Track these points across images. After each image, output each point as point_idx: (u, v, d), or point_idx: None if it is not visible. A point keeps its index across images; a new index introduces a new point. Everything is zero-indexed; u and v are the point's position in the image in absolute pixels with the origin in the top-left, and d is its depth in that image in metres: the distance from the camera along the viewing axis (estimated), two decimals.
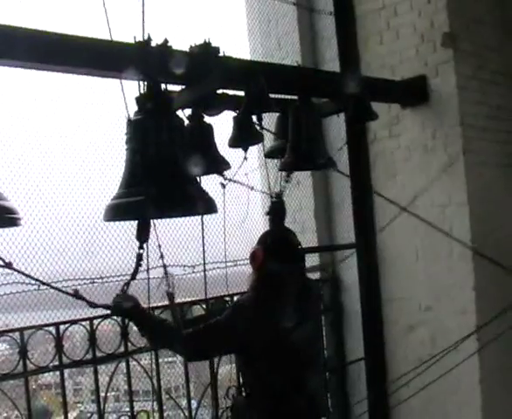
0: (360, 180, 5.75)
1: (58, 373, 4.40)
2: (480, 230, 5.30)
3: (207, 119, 4.14)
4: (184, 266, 4.73)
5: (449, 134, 5.32)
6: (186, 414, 4.91)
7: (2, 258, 2.93)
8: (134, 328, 4.55)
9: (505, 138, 5.82)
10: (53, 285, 3.73)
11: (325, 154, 4.54)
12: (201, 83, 3.79)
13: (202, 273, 4.36)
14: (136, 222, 3.30)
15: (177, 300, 3.87)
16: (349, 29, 5.85)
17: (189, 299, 4.84)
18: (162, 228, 3.33)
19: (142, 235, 3.27)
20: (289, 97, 4.59)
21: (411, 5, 5.52)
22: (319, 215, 6.28)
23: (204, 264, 4.24)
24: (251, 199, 4.65)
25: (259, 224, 5.61)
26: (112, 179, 3.91)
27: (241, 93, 4.06)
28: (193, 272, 4.75)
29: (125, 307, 3.47)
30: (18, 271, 3.12)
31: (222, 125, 4.31)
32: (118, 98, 3.85)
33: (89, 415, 4.66)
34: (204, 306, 4.87)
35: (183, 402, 5.14)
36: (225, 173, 4.22)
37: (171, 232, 4.76)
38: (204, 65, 3.75)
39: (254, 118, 4.07)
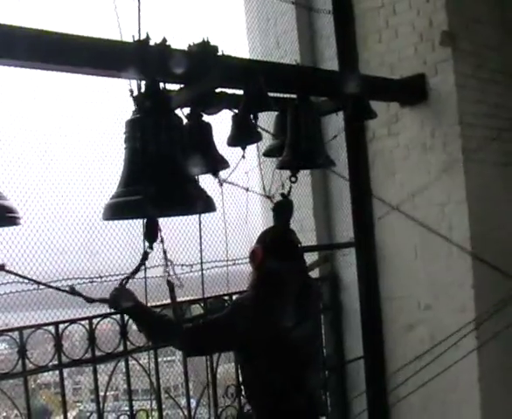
0: (359, 178, 5.76)
1: (57, 372, 4.39)
2: (479, 228, 5.30)
3: (206, 117, 4.14)
4: (183, 265, 4.73)
5: (448, 133, 5.32)
6: (185, 413, 4.90)
7: None
8: (134, 327, 4.56)
9: (504, 136, 5.81)
10: (51, 284, 3.75)
11: (324, 152, 4.54)
12: (200, 82, 3.79)
13: (200, 272, 4.37)
14: (139, 221, 3.30)
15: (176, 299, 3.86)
16: (348, 27, 5.85)
17: (187, 298, 4.84)
18: (161, 227, 3.32)
19: (151, 234, 3.26)
20: (288, 96, 4.59)
21: (410, 4, 5.52)
22: (318, 213, 6.28)
23: (202, 263, 4.24)
24: (250, 197, 4.65)
25: (259, 223, 5.62)
26: (111, 178, 3.91)
27: (240, 92, 4.06)
28: (191, 271, 4.74)
29: (123, 301, 3.47)
30: (11, 273, 3.12)
31: (221, 123, 4.31)
32: (117, 97, 3.86)
33: (88, 414, 4.67)
34: (203, 305, 4.87)
35: (183, 401, 5.15)
36: (224, 171, 4.22)
37: (170, 231, 4.75)
38: (203, 64, 3.75)
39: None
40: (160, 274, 3.69)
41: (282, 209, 4.26)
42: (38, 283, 3.45)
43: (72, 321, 4.34)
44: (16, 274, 3.19)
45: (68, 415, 4.46)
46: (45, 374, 5.06)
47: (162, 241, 3.46)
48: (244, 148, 4.07)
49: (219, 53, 3.82)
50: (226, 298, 5.04)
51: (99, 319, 4.42)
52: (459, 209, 5.29)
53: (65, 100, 4.36)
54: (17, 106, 4.17)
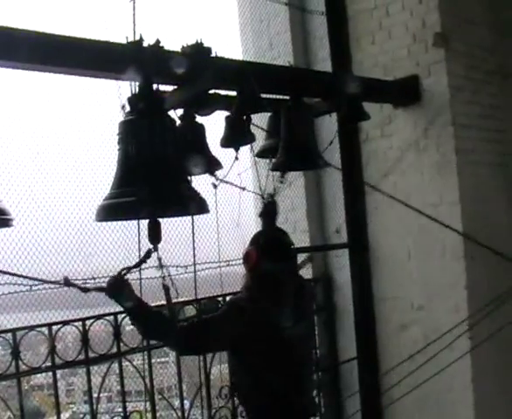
0: (352, 179, 5.76)
1: (50, 373, 4.39)
2: (472, 229, 5.30)
3: (199, 119, 4.14)
4: (177, 266, 4.73)
5: (441, 134, 5.33)
6: (179, 414, 4.90)
7: None
8: (127, 328, 4.56)
9: (497, 137, 5.83)
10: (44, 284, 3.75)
11: (317, 154, 4.54)
12: (193, 83, 3.79)
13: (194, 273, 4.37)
14: (133, 222, 3.30)
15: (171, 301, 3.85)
16: (341, 29, 5.86)
17: (181, 300, 4.84)
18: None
19: (155, 236, 3.26)
20: (281, 97, 4.59)
21: (403, 5, 5.53)
22: (311, 214, 6.28)
23: (195, 264, 4.24)
24: (243, 199, 4.65)
25: (252, 224, 5.61)
26: (104, 179, 3.91)
27: (233, 93, 4.06)
28: (186, 272, 4.74)
29: (120, 290, 3.43)
30: (4, 273, 3.11)
31: (214, 125, 4.31)
32: (111, 98, 3.86)
33: (82, 415, 4.67)
34: (196, 306, 4.87)
35: (176, 402, 5.14)
36: (217, 173, 4.22)
37: (163, 232, 4.75)
38: (197, 66, 3.75)
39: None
40: (154, 275, 3.68)
41: (267, 212, 4.26)
42: (31, 278, 3.43)
43: (66, 323, 4.34)
44: (7, 273, 3.17)
45: (61, 416, 4.46)
46: (38, 375, 5.05)
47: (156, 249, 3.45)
48: (237, 150, 4.07)
49: (213, 55, 3.82)
50: (220, 299, 5.04)
51: (92, 320, 4.41)
52: (452, 209, 5.30)
53: (58, 102, 4.36)
54: (10, 108, 4.16)
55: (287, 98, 4.48)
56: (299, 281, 4.15)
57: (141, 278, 3.57)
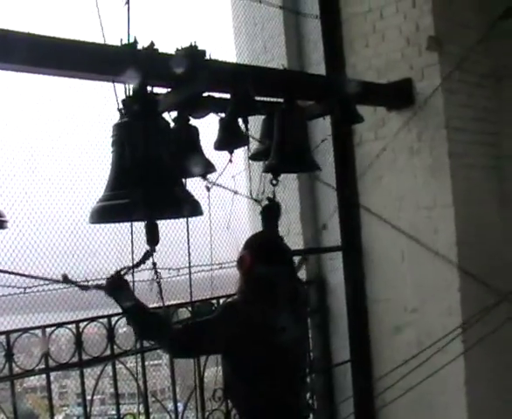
0: (346, 182, 5.77)
1: (43, 376, 4.38)
2: (466, 232, 5.32)
3: (193, 121, 4.14)
4: (170, 269, 4.73)
5: (435, 137, 5.34)
6: (172, 416, 4.90)
7: None
8: (120, 331, 4.55)
9: (491, 140, 5.85)
10: (38, 287, 3.74)
11: (310, 156, 4.55)
12: (187, 85, 3.79)
13: (187, 276, 4.36)
14: (126, 224, 3.30)
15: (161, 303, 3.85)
16: (335, 32, 5.87)
17: (174, 302, 4.84)
18: None
19: (153, 237, 3.26)
20: (275, 100, 4.59)
21: (397, 9, 5.54)
22: (305, 217, 6.28)
23: (190, 266, 4.24)
24: (236, 201, 4.65)
25: (245, 227, 5.62)
26: (98, 181, 3.91)
27: (227, 96, 4.06)
28: (178, 275, 4.74)
29: (119, 289, 3.43)
30: (4, 272, 3.11)
31: (208, 127, 4.31)
32: (105, 100, 3.86)
33: (75, 418, 4.66)
34: (190, 309, 4.87)
35: (169, 405, 5.14)
36: (211, 175, 4.22)
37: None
38: (191, 68, 3.75)
39: (240, 121, 4.09)
40: (145, 278, 3.68)
41: (270, 212, 4.27)
42: (32, 277, 3.41)
43: (60, 325, 4.33)
44: (8, 272, 3.16)
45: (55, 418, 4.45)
46: (32, 377, 5.04)
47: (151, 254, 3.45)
48: (231, 152, 4.07)
49: (207, 57, 3.82)
50: (214, 301, 5.04)
51: (86, 322, 4.41)
52: (445, 213, 5.31)
53: (52, 104, 4.35)
54: (3, 110, 4.16)
55: (281, 100, 4.49)
56: (293, 284, 4.15)
57: (133, 281, 3.56)
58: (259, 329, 3.70)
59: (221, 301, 4.98)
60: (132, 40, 3.37)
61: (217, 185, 4.18)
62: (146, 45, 3.49)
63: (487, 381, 5.44)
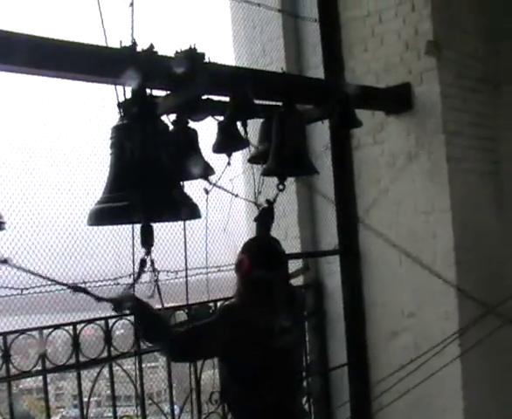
0: (343, 186, 5.78)
1: (39, 377, 4.38)
2: (464, 237, 5.33)
3: (192, 124, 4.14)
4: (167, 272, 4.73)
5: (433, 142, 5.34)
6: None
7: None
8: (117, 333, 4.55)
9: (488, 145, 5.86)
10: (34, 288, 3.74)
11: (308, 160, 4.55)
12: (186, 88, 3.79)
13: (184, 279, 4.36)
14: (124, 227, 3.29)
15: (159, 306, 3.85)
16: (334, 36, 5.87)
17: (172, 305, 4.84)
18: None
19: (147, 240, 3.25)
20: (274, 103, 4.60)
21: (396, 13, 5.54)
22: (302, 221, 6.29)
23: (186, 269, 4.24)
24: (234, 205, 4.65)
25: (243, 230, 5.62)
26: (96, 183, 3.91)
27: (226, 99, 4.06)
28: (176, 278, 4.74)
29: (128, 304, 3.44)
30: (16, 267, 3.09)
31: (206, 130, 4.31)
32: (104, 102, 3.86)
33: None
34: (187, 312, 4.86)
35: (165, 407, 5.14)
36: (209, 178, 4.22)
37: (154, 237, 4.74)
38: (190, 71, 3.75)
39: (239, 124, 4.09)
40: (145, 281, 3.68)
41: (263, 217, 4.27)
42: (45, 277, 3.38)
43: (57, 327, 4.33)
44: (20, 268, 3.15)
45: None
46: (28, 379, 5.03)
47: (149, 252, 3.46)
48: (229, 155, 4.07)
49: (206, 60, 3.82)
50: (211, 304, 5.04)
51: (83, 324, 4.41)
52: (443, 217, 5.31)
53: (50, 105, 4.35)
54: (1, 111, 4.15)
55: (280, 104, 4.49)
56: (290, 288, 4.16)
57: (134, 283, 3.55)
58: (256, 332, 3.70)
59: (218, 304, 4.97)
60: (135, 42, 3.37)
61: (217, 187, 4.17)
62: (145, 48, 3.49)
63: (484, 384, 5.45)
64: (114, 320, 4.50)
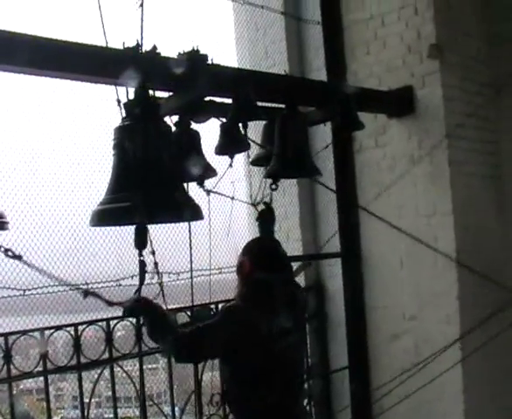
0: (345, 189, 5.77)
1: (40, 378, 4.38)
2: (465, 240, 5.32)
3: (194, 125, 4.15)
4: (169, 273, 4.73)
5: (435, 145, 5.34)
6: None
7: (12, 250, 2.91)
8: (119, 333, 4.55)
9: (491, 149, 5.86)
10: (39, 288, 3.74)
11: (310, 162, 4.55)
12: (189, 90, 3.80)
13: (186, 281, 4.36)
14: (126, 228, 3.29)
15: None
16: (337, 38, 5.87)
17: (173, 307, 4.83)
18: (151, 237, 3.34)
19: (141, 242, 3.25)
20: (276, 105, 4.60)
21: (399, 16, 5.54)
22: (304, 223, 6.29)
23: (192, 270, 4.24)
24: (236, 207, 4.65)
25: (245, 232, 5.63)
26: (99, 184, 3.91)
27: (229, 101, 4.07)
28: (178, 280, 4.74)
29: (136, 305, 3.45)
30: (29, 265, 3.09)
31: (209, 132, 4.32)
32: (106, 103, 3.86)
33: None
34: (189, 314, 4.86)
35: (165, 409, 5.13)
36: (211, 180, 4.22)
37: (156, 239, 4.74)
38: (192, 72, 3.76)
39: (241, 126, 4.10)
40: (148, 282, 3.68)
41: (265, 217, 4.27)
42: (57, 279, 3.38)
43: (58, 328, 4.33)
44: (33, 266, 3.14)
45: None
46: (28, 380, 5.03)
47: (153, 253, 3.46)
48: (231, 157, 4.08)
49: (209, 62, 3.83)
50: (212, 306, 5.03)
51: (84, 325, 4.40)
52: (445, 220, 5.31)
53: (53, 106, 4.36)
54: (4, 112, 4.16)
55: (282, 106, 4.49)
56: (292, 290, 4.15)
57: (140, 285, 3.56)
58: (258, 333, 3.69)
59: (220, 306, 4.97)
60: (138, 43, 3.38)
61: (214, 192, 4.17)
62: (148, 49, 3.49)
63: (485, 387, 5.44)
64: (115, 322, 4.50)
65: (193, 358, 4.08)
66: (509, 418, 5.59)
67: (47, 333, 4.25)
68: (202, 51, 3.82)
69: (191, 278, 4.26)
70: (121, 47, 3.41)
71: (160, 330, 3.61)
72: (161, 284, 3.59)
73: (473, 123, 5.63)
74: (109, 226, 3.71)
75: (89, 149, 4.49)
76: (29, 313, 4.30)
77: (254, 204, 4.42)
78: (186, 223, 4.03)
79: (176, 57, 3.81)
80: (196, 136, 4.17)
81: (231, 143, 4.11)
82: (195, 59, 3.79)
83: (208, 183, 4.17)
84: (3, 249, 2.89)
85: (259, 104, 4.14)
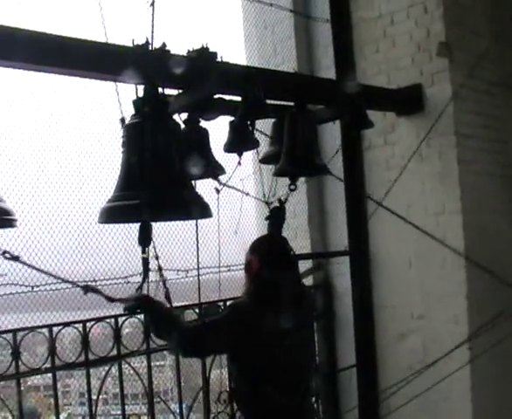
0: (354, 187, 5.76)
1: (47, 375, 4.38)
2: (474, 239, 5.31)
3: (203, 123, 4.15)
4: (178, 270, 4.73)
5: (443, 143, 5.33)
6: (178, 418, 4.89)
7: (9, 252, 2.91)
8: (127, 330, 4.56)
9: (499, 148, 5.84)
10: (45, 285, 3.75)
11: (320, 160, 4.54)
12: (198, 87, 3.80)
13: (195, 278, 4.36)
14: (135, 225, 3.29)
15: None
16: (346, 36, 5.86)
17: (182, 304, 4.84)
18: (156, 232, 3.34)
19: (145, 238, 3.25)
20: (285, 103, 4.59)
21: (408, 14, 5.53)
22: (313, 221, 6.28)
23: (198, 268, 4.24)
24: (245, 204, 4.66)
25: (253, 230, 5.62)
26: (107, 181, 3.92)
27: (238, 99, 4.06)
28: (186, 277, 4.75)
29: (136, 302, 3.45)
30: (27, 264, 3.10)
31: (218, 129, 4.32)
32: (115, 100, 3.86)
33: (80, 417, 4.66)
34: (197, 311, 4.86)
35: (172, 406, 5.14)
36: (220, 178, 4.22)
37: (165, 236, 4.75)
38: (202, 70, 3.76)
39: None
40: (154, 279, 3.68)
41: (276, 215, 4.27)
42: (55, 276, 3.38)
43: (67, 324, 4.34)
44: (30, 266, 3.15)
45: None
46: (36, 376, 5.04)
47: (156, 258, 3.47)
48: (240, 155, 4.08)
49: (218, 59, 3.82)
50: (221, 303, 5.04)
51: (93, 322, 4.41)
52: (453, 219, 5.30)
53: (61, 103, 4.36)
54: (12, 109, 4.16)
55: (291, 104, 4.49)
56: (299, 288, 4.15)
57: (148, 282, 3.56)
58: (264, 331, 3.69)
59: (228, 303, 4.97)
60: (147, 41, 3.37)
61: (227, 186, 4.18)
62: (157, 47, 3.49)
63: (493, 387, 5.43)
64: (123, 318, 4.50)
65: (198, 352, 4.09)
66: None
67: (55, 329, 4.25)
68: (211, 49, 3.82)
69: (198, 275, 4.26)
70: (131, 45, 3.40)
71: (164, 326, 3.62)
72: (164, 283, 3.58)
73: (482, 122, 5.63)
74: (117, 223, 3.71)
75: (98, 147, 4.49)
76: (37, 310, 4.30)
77: (267, 202, 4.42)
78: (195, 221, 4.04)
79: (185, 54, 3.80)
80: (205, 134, 4.18)
81: (240, 141, 4.10)
82: (204, 57, 3.79)
83: (217, 181, 4.18)
84: (0, 251, 2.88)
85: (268, 102, 4.13)
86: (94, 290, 3.29)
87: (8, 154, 4.06)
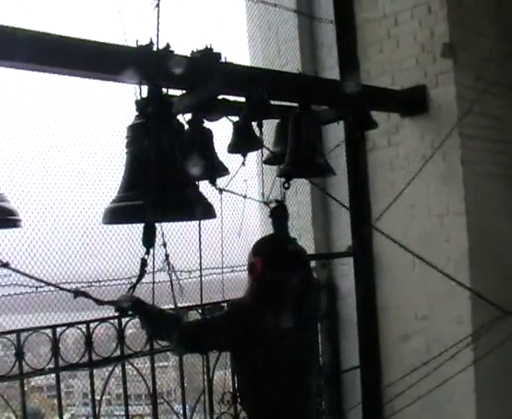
0: (358, 188, 5.76)
1: (50, 375, 4.38)
2: (478, 240, 5.31)
3: (207, 124, 4.14)
4: (181, 271, 4.73)
5: (447, 144, 5.32)
6: None
7: None
8: (130, 331, 4.55)
9: (503, 149, 5.84)
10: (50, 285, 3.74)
11: (324, 161, 4.54)
12: (202, 88, 3.80)
13: (198, 279, 4.36)
14: (138, 226, 3.29)
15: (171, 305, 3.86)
16: (350, 37, 5.87)
17: (185, 305, 4.83)
18: (164, 231, 3.35)
19: (149, 240, 3.25)
20: (289, 104, 4.59)
21: (412, 15, 5.53)
22: (316, 222, 6.28)
23: (201, 269, 4.24)
24: (248, 205, 4.65)
25: (257, 230, 5.62)
26: (111, 182, 3.92)
27: (242, 99, 4.06)
28: (189, 278, 4.74)
29: (127, 304, 3.45)
30: (16, 271, 3.10)
31: (221, 130, 4.31)
32: (119, 101, 3.87)
33: (84, 418, 4.66)
34: (200, 312, 4.86)
35: (175, 407, 5.13)
36: (224, 178, 4.22)
37: (168, 237, 4.75)
38: (206, 71, 3.76)
39: (254, 124, 4.09)
40: (162, 279, 3.69)
41: (278, 214, 4.26)
42: (42, 281, 3.39)
43: (70, 325, 4.33)
44: (19, 272, 3.15)
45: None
46: (39, 377, 5.04)
47: (164, 245, 3.46)
48: (244, 156, 4.07)
49: (222, 60, 3.82)
50: (224, 304, 5.03)
51: (96, 323, 4.41)
52: (457, 220, 5.30)
53: (65, 103, 4.36)
54: (17, 109, 4.17)
55: (295, 105, 4.48)
56: (304, 289, 4.13)
57: (154, 282, 3.57)
58: (264, 331, 3.68)
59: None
60: (151, 41, 3.38)
61: (227, 191, 4.17)
62: (161, 47, 3.49)
63: (497, 388, 5.43)
64: (127, 319, 4.50)
65: (199, 349, 4.09)
66: None
67: (59, 330, 4.25)
68: (215, 50, 3.82)
69: (201, 276, 4.26)
70: (135, 45, 3.41)
71: (158, 327, 3.63)
72: (170, 277, 3.59)
73: (486, 123, 5.62)
74: (122, 224, 3.71)
75: (102, 147, 4.49)
76: (41, 310, 4.30)
77: (267, 202, 4.41)
78: (198, 221, 4.04)
79: (189, 55, 3.81)
80: (208, 134, 4.17)
81: (244, 142, 4.10)
82: (208, 58, 3.79)
83: (220, 182, 4.17)
84: None
85: (272, 102, 4.13)
86: (84, 294, 3.29)
87: (12, 154, 4.07)
